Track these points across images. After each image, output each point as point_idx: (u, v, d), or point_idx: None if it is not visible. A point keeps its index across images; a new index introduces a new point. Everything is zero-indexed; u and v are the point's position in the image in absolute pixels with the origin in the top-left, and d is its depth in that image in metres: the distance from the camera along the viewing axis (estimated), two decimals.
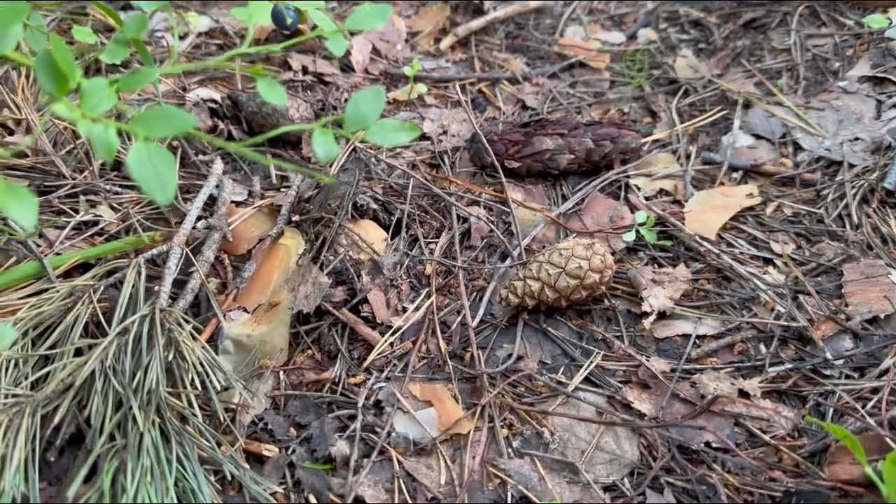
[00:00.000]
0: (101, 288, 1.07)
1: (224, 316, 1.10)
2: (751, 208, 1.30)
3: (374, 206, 1.22)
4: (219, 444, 0.96)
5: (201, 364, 0.98)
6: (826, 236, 1.25)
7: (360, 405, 1.05)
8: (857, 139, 1.37)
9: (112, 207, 1.27)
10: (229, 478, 0.94)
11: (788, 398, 1.04)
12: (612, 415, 1.02)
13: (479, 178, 1.41)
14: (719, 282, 1.20)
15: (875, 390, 1.02)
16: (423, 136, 1.49)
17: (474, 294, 1.21)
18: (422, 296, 1.19)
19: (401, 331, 1.14)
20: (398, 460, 1.00)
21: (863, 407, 1.00)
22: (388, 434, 1.02)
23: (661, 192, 1.37)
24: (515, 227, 1.27)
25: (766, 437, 0.99)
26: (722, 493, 0.92)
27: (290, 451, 1.01)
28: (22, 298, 1.07)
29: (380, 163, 1.41)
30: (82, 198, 1.27)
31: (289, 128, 0.71)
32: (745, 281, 1.18)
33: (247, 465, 0.96)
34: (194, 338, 1.03)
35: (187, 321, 1.04)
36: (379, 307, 1.15)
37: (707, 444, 0.98)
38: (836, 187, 1.31)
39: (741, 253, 1.24)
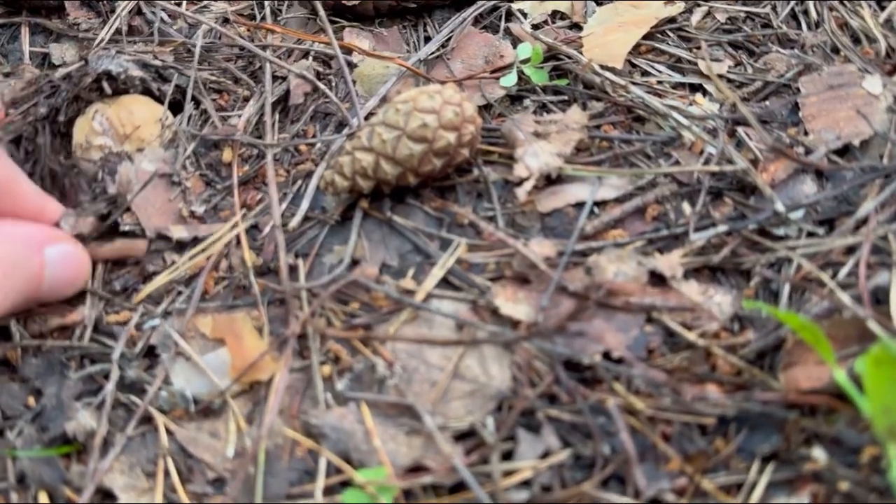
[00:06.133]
0: None
1: None
2: (672, 20, 0.95)
3: (139, 73, 0.86)
4: None
5: None
6: (775, 43, 0.90)
7: (115, 357, 0.73)
8: None
9: None
10: None
11: (725, 275, 0.72)
12: (477, 328, 0.71)
13: (312, 25, 1.05)
14: (629, 125, 0.86)
15: (850, 250, 0.70)
16: None
17: (298, 182, 0.87)
18: (220, 192, 0.86)
19: (186, 244, 0.82)
20: (167, 430, 0.69)
21: (833, 276, 0.69)
22: (158, 392, 0.71)
23: (555, 15, 1.01)
24: (347, 82, 0.92)
25: (692, 336, 0.67)
26: (622, 427, 0.61)
27: (16, 433, 0.70)
28: None
29: (176, 19, 1.04)
30: None
31: None
32: (662, 118, 0.84)
33: None
34: None
35: None
36: (149, 214, 0.81)
37: (606, 355, 0.67)
38: None
39: (659, 82, 0.89)
